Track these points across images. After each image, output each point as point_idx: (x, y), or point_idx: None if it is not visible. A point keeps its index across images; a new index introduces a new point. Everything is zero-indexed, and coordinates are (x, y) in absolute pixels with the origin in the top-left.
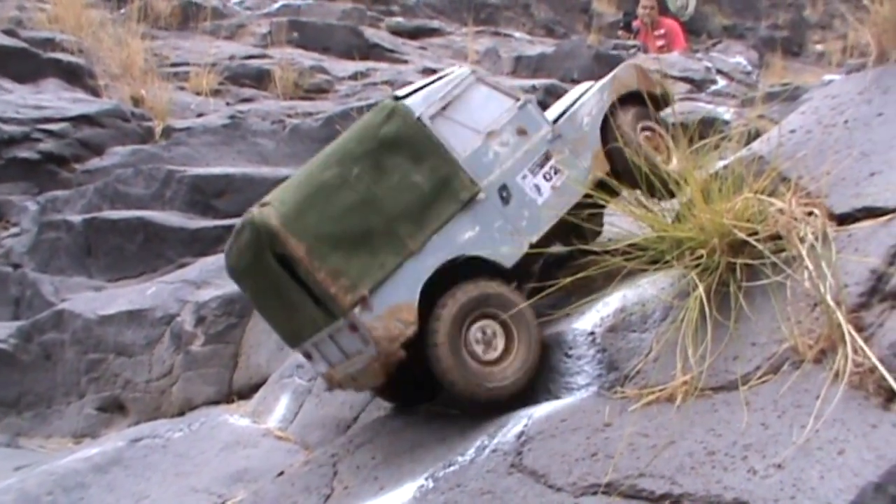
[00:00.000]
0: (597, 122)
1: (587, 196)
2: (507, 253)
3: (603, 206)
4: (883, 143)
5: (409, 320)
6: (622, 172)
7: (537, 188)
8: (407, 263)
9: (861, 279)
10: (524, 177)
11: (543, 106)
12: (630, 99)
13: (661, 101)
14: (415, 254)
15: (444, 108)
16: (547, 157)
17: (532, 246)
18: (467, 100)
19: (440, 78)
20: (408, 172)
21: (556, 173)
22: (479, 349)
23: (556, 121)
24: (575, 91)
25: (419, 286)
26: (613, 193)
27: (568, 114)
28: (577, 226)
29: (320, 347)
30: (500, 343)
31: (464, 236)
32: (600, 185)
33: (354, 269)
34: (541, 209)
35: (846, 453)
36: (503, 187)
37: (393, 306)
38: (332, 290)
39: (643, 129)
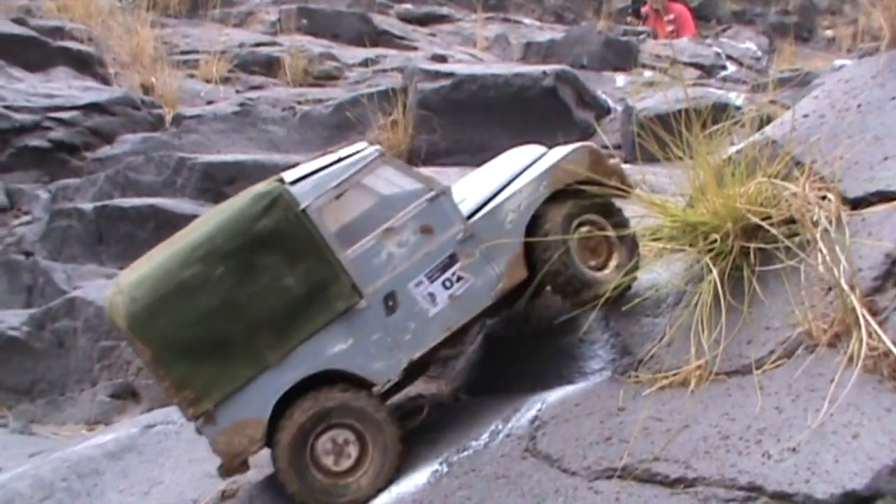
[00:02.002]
0: (524, 218)
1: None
2: (380, 370)
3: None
4: None
5: (255, 437)
6: (545, 276)
7: (432, 297)
8: (262, 377)
9: (875, 263)
10: (419, 283)
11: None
12: (574, 188)
13: (619, 193)
14: (273, 367)
15: (338, 197)
16: (452, 261)
17: (413, 363)
18: (368, 187)
19: (340, 159)
20: (280, 274)
21: (458, 280)
22: (329, 460)
23: (471, 216)
24: (515, 159)
25: (273, 401)
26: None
27: (490, 208)
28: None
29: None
30: (353, 451)
31: (333, 349)
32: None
33: (202, 380)
34: (430, 322)
35: (861, 437)
36: (390, 295)
37: (240, 421)
38: (176, 401)
39: (581, 224)
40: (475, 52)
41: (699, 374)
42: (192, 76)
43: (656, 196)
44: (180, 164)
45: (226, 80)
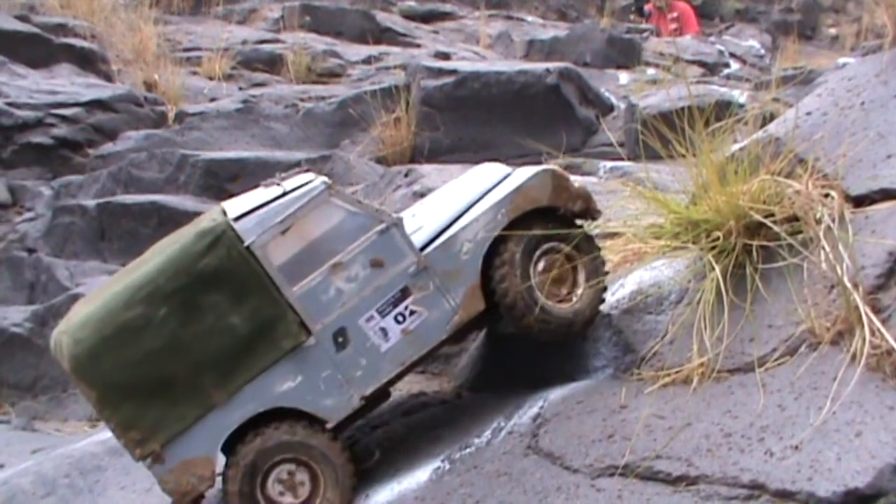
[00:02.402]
0: (482, 248)
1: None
2: (331, 406)
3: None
4: None
5: (204, 476)
6: (504, 309)
7: (384, 332)
8: (210, 415)
9: (878, 261)
10: (370, 318)
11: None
12: (535, 214)
13: (585, 217)
14: (219, 406)
15: (283, 232)
16: (404, 295)
17: (365, 399)
18: (315, 221)
19: (286, 193)
20: (224, 313)
21: (411, 314)
22: (281, 498)
23: (425, 247)
24: (473, 181)
25: (221, 440)
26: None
27: (444, 238)
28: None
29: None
30: (305, 488)
31: (281, 387)
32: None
33: (149, 420)
34: (382, 357)
35: (863, 435)
36: (340, 331)
37: (188, 460)
38: (123, 442)
39: (545, 252)
40: (478, 50)
41: (702, 372)
42: (195, 73)
43: (659, 193)
44: (183, 161)
45: (229, 78)
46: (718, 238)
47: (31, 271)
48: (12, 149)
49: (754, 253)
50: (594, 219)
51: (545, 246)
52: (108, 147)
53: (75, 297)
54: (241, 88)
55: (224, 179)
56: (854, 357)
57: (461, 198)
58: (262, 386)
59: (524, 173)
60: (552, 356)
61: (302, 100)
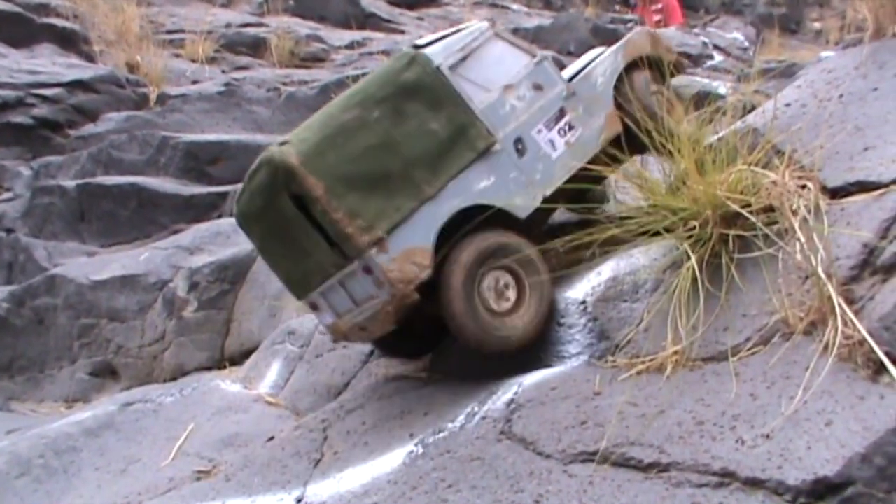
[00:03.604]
0: (610, 82)
1: (592, 164)
2: (521, 204)
3: (604, 176)
4: (877, 117)
5: (423, 264)
6: (633, 134)
7: (552, 143)
8: (423, 208)
9: (852, 252)
10: (539, 131)
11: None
12: (642, 64)
13: (672, 69)
14: (431, 199)
15: (462, 60)
16: (562, 114)
17: (545, 199)
18: (485, 53)
19: (459, 30)
20: (426, 119)
21: (570, 129)
22: (491, 299)
23: (571, 79)
24: (589, 54)
25: (434, 231)
26: (617, 163)
27: (582, 73)
28: (584, 191)
29: (328, 296)
30: (511, 295)
31: (479, 185)
32: (606, 155)
33: (371, 210)
34: (555, 163)
35: (834, 424)
36: (518, 140)
37: (408, 249)
38: (349, 230)
39: (653, 93)
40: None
41: (676, 360)
42: (177, 55)
43: (645, 173)
44: (164, 143)
45: (211, 60)
46: (695, 227)
47: (9, 251)
48: None
49: (730, 242)
50: (682, 70)
51: (655, 87)
52: (88, 128)
53: (53, 278)
54: (223, 71)
55: (204, 162)
56: (826, 347)
57: (582, 60)
58: (464, 183)
59: (628, 34)
60: (549, 317)
61: (284, 84)
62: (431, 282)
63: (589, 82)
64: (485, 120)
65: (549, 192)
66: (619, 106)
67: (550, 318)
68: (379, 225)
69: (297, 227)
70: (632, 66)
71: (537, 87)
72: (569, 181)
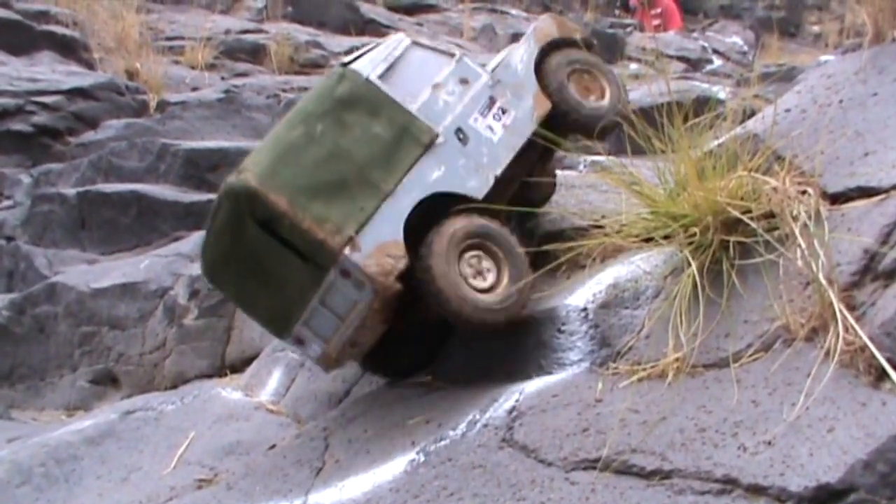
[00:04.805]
0: (529, 67)
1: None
2: (476, 186)
3: (552, 152)
4: (877, 122)
5: (398, 254)
6: (562, 111)
7: (490, 128)
8: (384, 205)
9: (854, 258)
10: (475, 119)
11: None
12: (557, 46)
13: (585, 45)
14: (390, 195)
15: (388, 69)
16: (492, 101)
17: (497, 179)
18: (408, 61)
19: (378, 45)
20: (368, 125)
21: (503, 113)
22: (470, 276)
23: (492, 70)
24: (501, 52)
25: (401, 223)
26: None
27: (501, 62)
28: (529, 182)
29: (312, 323)
30: (490, 275)
31: (432, 176)
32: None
33: (337, 213)
34: (497, 145)
35: (836, 431)
36: (459, 129)
37: (381, 244)
38: (321, 236)
39: (574, 71)
40: (462, 43)
41: (677, 367)
42: (177, 62)
43: (645, 184)
44: (163, 151)
45: (211, 67)
46: (696, 234)
47: (10, 259)
48: None
49: (731, 249)
50: (591, 46)
51: (576, 66)
52: (88, 135)
53: (53, 286)
54: (223, 78)
55: (205, 169)
56: (828, 353)
57: (499, 55)
58: (418, 176)
59: (536, 20)
60: (528, 349)
61: (284, 90)
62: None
63: (510, 70)
64: (423, 117)
65: (499, 172)
66: (544, 87)
67: (537, 334)
68: (348, 225)
69: (269, 254)
70: (547, 50)
71: (464, 81)
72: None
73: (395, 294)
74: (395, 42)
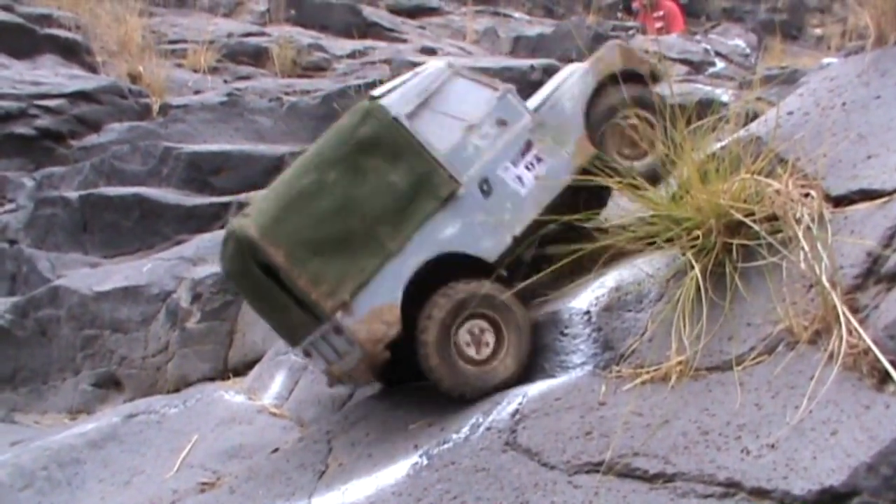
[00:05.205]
0: (579, 106)
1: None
2: (490, 247)
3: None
4: (880, 125)
5: (391, 321)
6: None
7: (519, 179)
8: (387, 265)
9: (857, 261)
10: (506, 168)
11: (538, 86)
12: (614, 80)
13: (651, 79)
14: (395, 255)
15: (420, 105)
16: (529, 147)
17: (515, 239)
18: (445, 94)
19: (416, 74)
20: (385, 173)
21: (538, 162)
22: (468, 349)
23: (537, 109)
24: (560, 74)
25: (401, 287)
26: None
27: (549, 101)
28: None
29: (316, 346)
30: (490, 339)
31: (444, 233)
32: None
33: (334, 273)
34: (524, 200)
35: (839, 434)
36: (484, 181)
37: (375, 308)
38: (314, 297)
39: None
40: (464, 45)
41: (680, 370)
42: (179, 66)
43: (648, 190)
44: (166, 154)
45: (213, 70)
46: (698, 237)
47: (13, 262)
48: None
49: (734, 252)
50: (661, 78)
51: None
52: (91, 139)
53: (56, 289)
54: (225, 81)
55: (207, 172)
56: (831, 356)
57: (552, 82)
58: (429, 233)
59: (599, 50)
60: (531, 352)
61: (286, 93)
62: (409, 333)
63: (556, 109)
64: (447, 165)
65: (519, 232)
66: (590, 128)
67: (541, 337)
68: (343, 288)
69: (272, 291)
70: (603, 84)
71: (501, 123)
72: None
73: (383, 360)
74: (435, 73)
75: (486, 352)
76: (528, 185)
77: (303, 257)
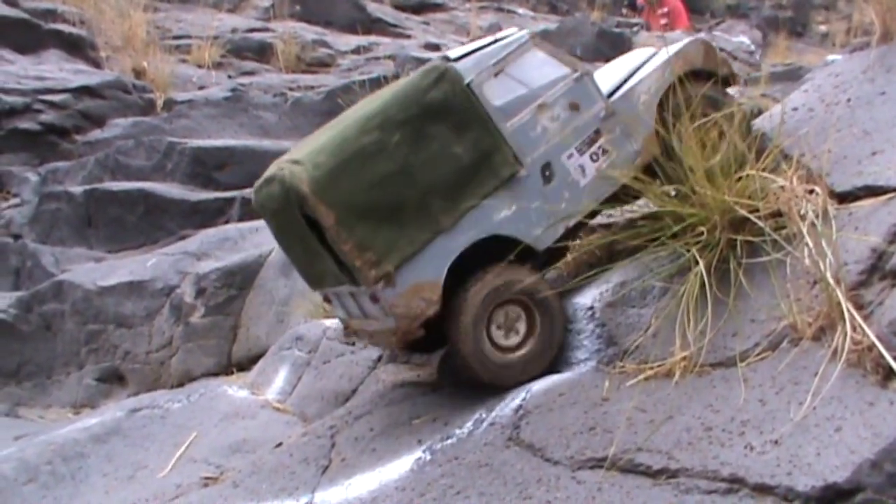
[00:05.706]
0: (654, 101)
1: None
2: (541, 236)
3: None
4: (885, 121)
5: (432, 299)
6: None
7: (582, 169)
8: (436, 240)
9: (861, 257)
10: (570, 155)
11: None
12: (689, 78)
13: (726, 81)
14: (446, 231)
15: (495, 75)
16: (597, 136)
17: (567, 230)
18: (521, 66)
19: (495, 40)
20: (449, 143)
21: (603, 154)
22: (500, 335)
23: (610, 95)
24: (632, 57)
25: (446, 265)
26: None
27: (624, 90)
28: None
29: (341, 298)
30: (521, 327)
31: (499, 215)
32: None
33: (381, 242)
34: (582, 192)
35: (843, 430)
36: (546, 165)
37: (417, 284)
38: (357, 263)
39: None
40: (468, 41)
41: (684, 366)
42: (184, 61)
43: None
44: (170, 149)
45: (218, 66)
46: (703, 233)
47: (17, 257)
48: None
49: (738, 248)
50: (736, 82)
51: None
52: (95, 134)
53: (60, 284)
54: (230, 77)
55: (211, 168)
56: (835, 353)
57: (622, 64)
58: (483, 213)
59: (680, 43)
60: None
61: (291, 89)
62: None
63: (630, 101)
64: (513, 144)
65: (572, 224)
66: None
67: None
68: (389, 259)
69: (308, 240)
70: (679, 80)
71: (573, 107)
72: None
73: (415, 336)
74: (515, 41)
75: (516, 339)
76: (589, 177)
77: (352, 222)
